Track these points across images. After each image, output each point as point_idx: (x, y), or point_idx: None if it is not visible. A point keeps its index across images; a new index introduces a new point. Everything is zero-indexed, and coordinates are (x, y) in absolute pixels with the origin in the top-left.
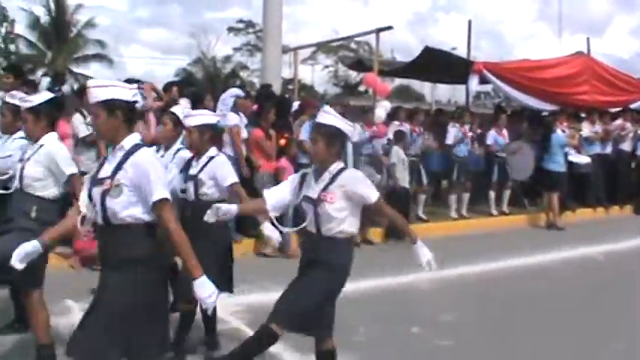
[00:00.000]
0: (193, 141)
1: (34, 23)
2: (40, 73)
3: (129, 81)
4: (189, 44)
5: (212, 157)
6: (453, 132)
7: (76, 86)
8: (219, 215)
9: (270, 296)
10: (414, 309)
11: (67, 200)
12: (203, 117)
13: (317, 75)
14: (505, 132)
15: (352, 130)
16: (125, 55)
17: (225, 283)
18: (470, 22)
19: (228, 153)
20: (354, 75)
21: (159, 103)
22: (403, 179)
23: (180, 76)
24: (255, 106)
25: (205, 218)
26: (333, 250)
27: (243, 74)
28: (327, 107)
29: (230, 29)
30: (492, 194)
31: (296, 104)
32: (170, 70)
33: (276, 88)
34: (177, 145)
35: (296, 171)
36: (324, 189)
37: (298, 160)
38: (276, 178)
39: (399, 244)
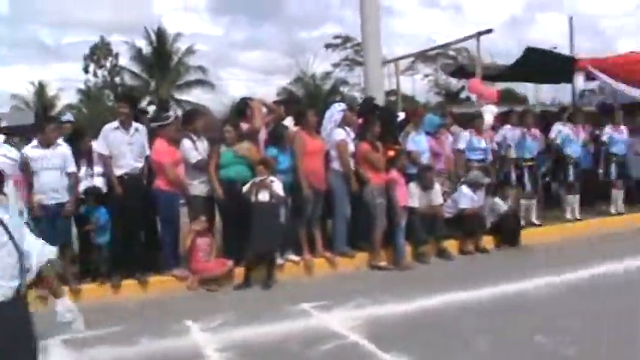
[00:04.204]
0: None
1: (137, 55)
2: (145, 102)
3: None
4: (289, 64)
5: None
6: (560, 130)
7: (180, 112)
8: None
9: (386, 309)
10: (533, 316)
11: None
12: None
13: (417, 85)
14: (623, 128)
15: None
16: (225, 79)
17: None
18: (571, 19)
19: (336, 168)
20: (454, 82)
21: (268, 117)
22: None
23: (282, 96)
24: (359, 120)
25: None
26: None
27: (343, 89)
28: None
29: (328, 45)
30: (614, 193)
31: (401, 115)
32: (271, 90)
33: (379, 100)
34: None
35: (406, 182)
36: None
37: (407, 171)
38: (387, 191)
39: (512, 251)
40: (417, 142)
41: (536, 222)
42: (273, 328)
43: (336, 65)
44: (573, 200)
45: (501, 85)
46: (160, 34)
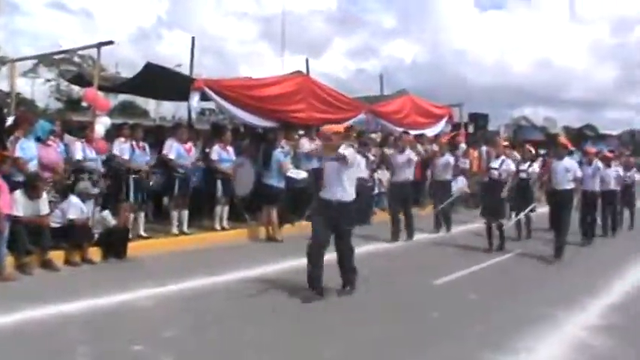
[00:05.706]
0: None
1: None
2: None
3: None
4: None
5: None
6: (173, 147)
7: None
8: None
9: None
10: (135, 326)
11: None
12: None
13: (38, 89)
14: (230, 148)
15: None
16: None
17: None
18: (193, 39)
19: None
20: (76, 89)
21: None
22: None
23: None
24: None
25: None
26: None
27: None
28: None
29: None
30: (218, 209)
31: (11, 119)
32: None
33: None
34: None
35: (11, 189)
36: None
37: (13, 178)
38: None
39: (119, 263)
40: (26, 149)
41: (144, 234)
42: None
43: None
44: (180, 214)
45: (123, 97)
46: None
